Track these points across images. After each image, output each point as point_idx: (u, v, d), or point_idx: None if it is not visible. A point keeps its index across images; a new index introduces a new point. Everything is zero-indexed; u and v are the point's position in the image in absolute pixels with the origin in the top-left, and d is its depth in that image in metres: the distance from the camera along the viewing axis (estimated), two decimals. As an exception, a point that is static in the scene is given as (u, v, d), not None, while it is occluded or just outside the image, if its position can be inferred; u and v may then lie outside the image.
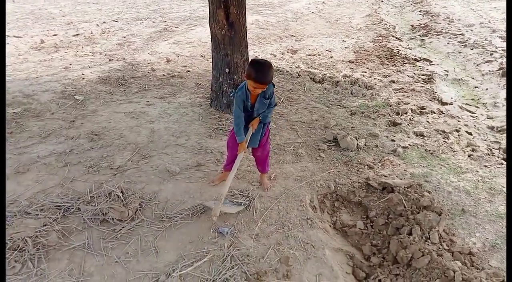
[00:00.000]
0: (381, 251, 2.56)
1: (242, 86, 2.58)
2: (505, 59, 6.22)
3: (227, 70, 4.22)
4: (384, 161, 3.58)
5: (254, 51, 7.30)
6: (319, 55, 7.13)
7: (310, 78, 5.75)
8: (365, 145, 3.82)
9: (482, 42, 7.46)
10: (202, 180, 3.12)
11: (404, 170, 3.42)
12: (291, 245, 2.48)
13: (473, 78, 5.97)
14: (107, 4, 14.00)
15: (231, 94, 2.74)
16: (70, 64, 6.20)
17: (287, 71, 5.98)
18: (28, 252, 2.23)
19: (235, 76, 4.25)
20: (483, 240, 2.62)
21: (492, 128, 4.41)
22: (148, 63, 6.38)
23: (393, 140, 3.95)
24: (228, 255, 2.33)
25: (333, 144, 3.82)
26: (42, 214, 2.55)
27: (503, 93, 5.14)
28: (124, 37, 8.51)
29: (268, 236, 2.55)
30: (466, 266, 2.33)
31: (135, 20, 10.51)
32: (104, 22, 10.13)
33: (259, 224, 2.65)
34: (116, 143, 3.65)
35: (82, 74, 5.48)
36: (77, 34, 8.62)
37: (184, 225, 2.61)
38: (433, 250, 2.36)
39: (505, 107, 4.78)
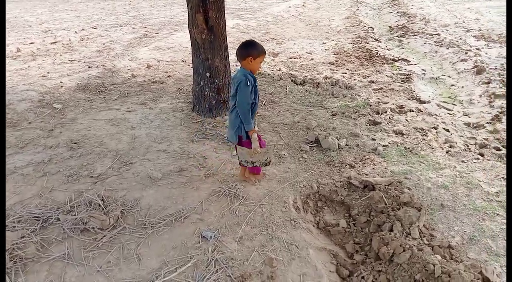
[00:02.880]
0: (363, 248, 2.59)
1: (245, 74, 2.63)
2: (479, 58, 6.40)
3: (208, 74, 4.22)
4: (365, 159, 3.63)
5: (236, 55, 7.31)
6: (300, 57, 7.20)
7: (292, 80, 5.80)
8: (347, 145, 3.87)
9: (457, 41, 7.67)
10: (185, 185, 3.10)
11: (385, 168, 3.48)
12: (275, 247, 2.48)
13: (449, 76, 6.12)
14: (86, 11, 13.82)
15: (240, 85, 2.66)
16: (48, 73, 6.09)
17: (268, 74, 6.01)
18: (4, 266, 2.18)
19: (216, 80, 4.25)
20: (461, 234, 2.68)
21: (468, 124, 4.52)
22: (129, 69, 6.32)
23: (373, 139, 4.02)
24: (212, 259, 2.32)
25: (315, 144, 3.86)
26: (19, 226, 2.49)
27: (478, 91, 5.29)
28: (104, 44, 8.41)
29: (252, 238, 2.55)
30: (446, 259, 2.38)
31: (114, 27, 10.41)
32: (82, 29, 9.99)
33: (243, 227, 2.65)
34: (96, 151, 3.60)
35: (61, 82, 5.39)
36: (55, 42, 8.48)
37: (167, 231, 2.58)
38: (414, 245, 2.40)
39: (480, 104, 4.92)
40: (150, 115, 4.45)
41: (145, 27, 10.14)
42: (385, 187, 3.01)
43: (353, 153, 3.75)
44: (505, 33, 8.15)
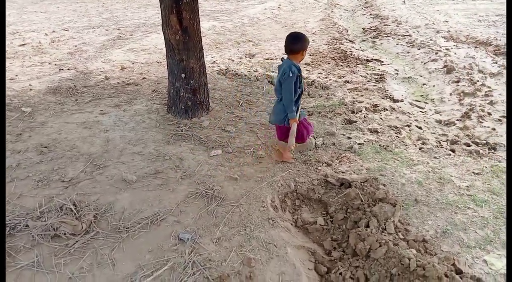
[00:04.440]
0: (341, 245, 2.61)
1: (290, 66, 2.88)
2: (449, 58, 6.62)
3: (183, 75, 4.17)
4: (342, 158, 3.67)
5: (212, 56, 7.28)
6: (277, 58, 7.23)
7: (268, 81, 5.81)
8: (323, 144, 3.90)
9: (428, 42, 7.90)
10: (161, 187, 3.05)
11: (361, 166, 3.52)
12: (254, 246, 2.47)
13: (421, 76, 6.30)
14: (56, 13, 13.43)
15: (284, 76, 2.91)
16: (16, 75, 5.87)
17: (245, 75, 6.01)
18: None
19: (191, 81, 4.21)
20: (435, 227, 2.74)
21: (439, 122, 4.66)
22: (102, 71, 6.18)
23: (349, 137, 4.07)
24: (190, 262, 2.28)
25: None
26: (-15, 234, 2.37)
27: (448, 89, 5.46)
28: (76, 46, 8.19)
29: (230, 239, 2.53)
30: (421, 252, 2.43)
31: (87, 29, 10.15)
32: (53, 31, 9.70)
33: (220, 228, 2.62)
34: (67, 155, 3.48)
35: (30, 85, 5.20)
36: (24, 44, 8.20)
37: (142, 234, 2.53)
38: (390, 240, 2.44)
39: (451, 102, 5.08)
40: (124, 117, 4.36)
41: (118, 29, 9.94)
42: (361, 184, 3.05)
43: (329, 152, 3.79)
44: (472, 34, 8.46)
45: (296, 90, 3.02)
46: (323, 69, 6.53)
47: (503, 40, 7.68)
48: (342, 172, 3.39)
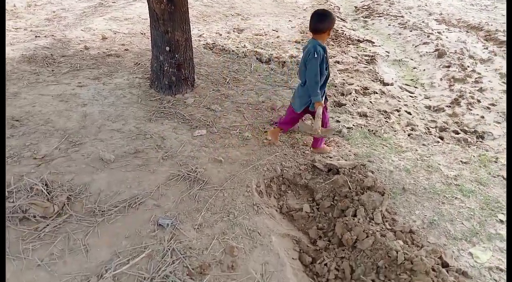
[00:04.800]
0: (327, 234, 2.54)
1: (315, 46, 2.70)
2: (440, 41, 6.51)
3: (167, 48, 3.93)
4: (330, 142, 3.57)
5: (199, 29, 6.96)
6: (266, 35, 6.98)
7: (257, 58, 5.60)
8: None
9: (420, 24, 7.75)
10: (141, 168, 2.89)
11: (349, 151, 3.44)
12: (237, 234, 2.37)
13: (412, 59, 6.19)
14: (34, -26, 12.59)
15: (309, 56, 2.74)
16: (-13, 41, 5.47)
17: (233, 51, 5.77)
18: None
19: (176, 55, 3.98)
20: (422, 217, 2.70)
21: (429, 107, 4.59)
22: (81, 40, 5.82)
23: (338, 121, 3.96)
24: (169, 249, 2.17)
25: (280, 125, 3.74)
26: None
27: (439, 74, 5.37)
28: (54, 12, 7.71)
29: (212, 225, 2.42)
30: (407, 244, 2.38)
31: (66, -7, 9.55)
32: (29, -6, 9.09)
33: (202, 213, 2.51)
34: (41, 129, 3.26)
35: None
36: (-3, 7, 7.65)
37: (119, 218, 2.39)
38: (377, 231, 2.38)
39: (441, 88, 5.00)
40: (104, 91, 4.12)
41: (100, -5, 9.39)
42: (349, 171, 2.96)
43: (317, 135, 3.68)
44: (464, 18, 8.34)
45: (322, 73, 2.84)
46: (314, 48, 6.32)
47: (494, 25, 7.59)
48: (330, 157, 3.29)
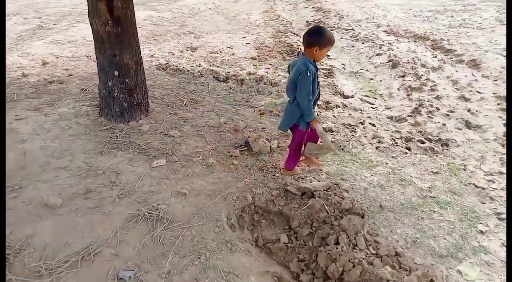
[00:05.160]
0: (309, 266, 2.32)
1: (306, 64, 2.54)
2: (392, 52, 6.68)
3: (116, 73, 3.60)
4: (300, 162, 3.40)
5: (150, 50, 6.64)
6: (221, 52, 6.80)
7: (214, 77, 5.38)
8: (278, 146, 3.60)
9: (371, 36, 7.96)
10: (93, 211, 2.53)
11: (320, 170, 3.28)
12: (211, 279, 2.09)
13: (367, 70, 6.27)
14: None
15: (300, 74, 2.56)
16: None
17: (188, 71, 5.52)
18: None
19: (127, 80, 3.65)
20: (404, 236, 2.57)
21: (391, 118, 4.59)
22: (18, 67, 5.30)
23: (305, 138, 3.81)
24: (133, 309, 1.84)
25: (245, 148, 3.52)
26: None
27: (395, 84, 5.45)
28: (-14, 36, 7.04)
29: (182, 271, 2.12)
30: (396, 269, 2.22)
31: (0, 17, 8.84)
32: (-43, 19, 8.29)
33: (170, 258, 2.20)
34: (-30, 174, 2.79)
35: None
36: None
37: (71, 276, 2.03)
38: (363, 258, 2.21)
39: (399, 97, 5.06)
40: (46, 123, 3.68)
41: (39, 18, 8.80)
42: (324, 193, 2.79)
43: (285, 155, 3.49)
44: (410, 29, 8.71)
45: (314, 91, 2.66)
46: (271, 64, 6.24)
47: (438, 35, 7.97)
48: (302, 178, 3.11)
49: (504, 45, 7.15)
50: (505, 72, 5.67)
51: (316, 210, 2.61)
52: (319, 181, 3.05)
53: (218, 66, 5.92)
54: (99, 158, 3.15)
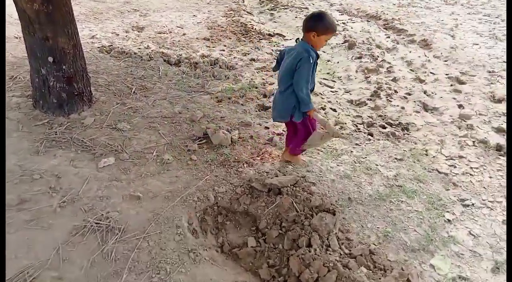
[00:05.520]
0: (280, 272, 2.16)
1: (307, 49, 2.35)
2: (347, 32, 6.60)
3: (50, 59, 3.12)
4: (263, 153, 3.20)
5: (91, 29, 5.99)
6: (170, 32, 6.32)
7: (164, 60, 4.96)
8: (239, 138, 3.37)
9: (325, 15, 7.82)
10: (30, 225, 2.16)
11: (286, 162, 3.10)
12: (174, 298, 1.86)
13: (324, 52, 6.14)
14: None
15: (300, 60, 2.36)
16: None
17: (135, 53, 5.03)
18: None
19: (64, 67, 3.19)
20: (375, 231, 2.49)
21: (351, 102, 4.51)
22: None
23: (266, 127, 3.61)
24: None
25: (204, 140, 3.25)
26: None
27: (353, 66, 5.38)
28: None
29: (139, 292, 1.87)
30: (371, 269, 2.12)
31: None
32: None
33: (124, 277, 1.93)
34: None
35: None
36: None
37: (2, 311, 1.68)
38: (337, 261, 2.08)
39: (358, 80, 4.99)
40: (-34, 119, 3.13)
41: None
42: (292, 189, 2.62)
43: (248, 147, 3.28)
44: (362, 7, 8.69)
45: (312, 80, 2.52)
46: (225, 45, 5.90)
47: (389, 14, 8.03)
48: (267, 172, 2.91)
49: (451, 25, 7.36)
50: (454, 52, 5.82)
51: (285, 208, 2.44)
52: (284, 174, 2.87)
53: (168, 48, 5.48)
54: (35, 159, 2.73)
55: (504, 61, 5.51)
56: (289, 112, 2.63)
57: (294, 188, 2.65)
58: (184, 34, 6.25)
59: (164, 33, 6.25)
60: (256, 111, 3.94)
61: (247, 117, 3.71)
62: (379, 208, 2.70)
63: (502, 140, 3.64)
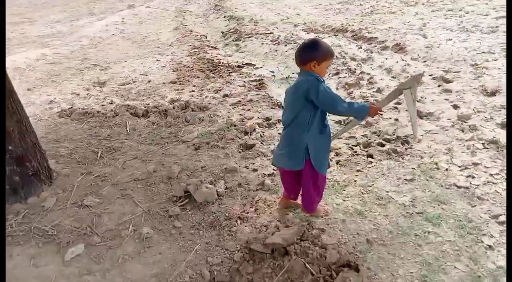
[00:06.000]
0: None
1: (312, 75, 2.07)
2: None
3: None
4: (256, 202, 2.77)
5: (48, 94, 5.55)
6: (134, 82, 5.95)
7: (131, 113, 4.55)
8: (226, 188, 2.94)
9: (291, 37, 7.65)
10: None
11: (285, 208, 2.67)
12: None
13: (298, 74, 5.85)
14: None
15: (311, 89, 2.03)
16: None
17: (98, 112, 4.61)
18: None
19: (10, 147, 2.73)
20: (410, 278, 2.06)
21: (339, 122, 4.17)
22: None
23: (254, 170, 3.20)
24: None
25: (187, 200, 2.80)
26: None
27: (332, 83, 5.09)
28: None
29: None
30: None
31: None
32: None
33: None
34: None
35: None
36: None
37: None
38: None
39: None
40: None
41: None
42: (300, 245, 2.18)
43: (238, 198, 2.85)
44: (326, 23, 8.59)
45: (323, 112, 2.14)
46: (194, 85, 5.55)
47: (355, 25, 7.92)
48: (265, 226, 2.47)
49: (419, 25, 7.26)
50: (431, 51, 5.63)
51: (297, 274, 1.99)
52: (287, 225, 2.43)
53: (134, 99, 5.08)
54: (-16, 267, 2.22)
55: (483, 52, 5.33)
56: (302, 155, 2.17)
57: (302, 242, 2.21)
58: (149, 81, 5.89)
59: (127, 84, 5.88)
60: (240, 152, 3.53)
61: (231, 162, 3.30)
62: (406, 246, 2.27)
63: (511, 136, 3.32)
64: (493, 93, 4.12)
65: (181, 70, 6.38)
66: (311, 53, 2.05)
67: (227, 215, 2.64)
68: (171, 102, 4.81)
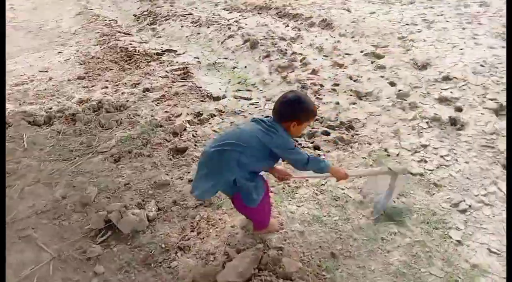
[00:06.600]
0: None
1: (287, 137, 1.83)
2: (244, 31, 5.91)
3: None
4: (197, 223, 2.31)
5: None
6: (32, 80, 4.94)
7: (29, 122, 3.69)
8: (159, 209, 2.43)
9: (213, 17, 7.05)
10: None
11: (231, 227, 2.25)
12: None
13: (226, 58, 5.35)
14: None
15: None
16: None
17: (-16, 124, 3.68)
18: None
19: None
20: (386, 294, 1.79)
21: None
22: None
23: (191, 180, 2.70)
24: None
25: (109, 233, 2.24)
26: None
27: (264, 67, 4.68)
28: None
29: None
30: None
31: None
32: None
33: None
34: None
35: None
36: None
37: None
38: None
39: (275, 83, 4.31)
40: None
41: None
42: (260, 279, 1.78)
43: (174, 220, 2.36)
44: (249, 1, 8.10)
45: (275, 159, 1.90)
46: (107, 80, 4.76)
47: (279, 2, 7.55)
48: (213, 255, 2.05)
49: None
50: (358, 26, 5.50)
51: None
52: (238, 251, 2.02)
53: (32, 103, 4.17)
54: None
55: (407, 24, 5.33)
56: (230, 185, 1.80)
57: (261, 273, 1.82)
58: (50, 79, 4.93)
59: (23, 84, 4.85)
60: (170, 159, 3.01)
61: (161, 174, 2.77)
62: (374, 255, 2.01)
63: (451, 111, 3.25)
64: (424, 67, 4.09)
65: (89, 62, 5.47)
66: (295, 112, 1.81)
67: (163, 246, 2.14)
68: (79, 104, 4.03)
